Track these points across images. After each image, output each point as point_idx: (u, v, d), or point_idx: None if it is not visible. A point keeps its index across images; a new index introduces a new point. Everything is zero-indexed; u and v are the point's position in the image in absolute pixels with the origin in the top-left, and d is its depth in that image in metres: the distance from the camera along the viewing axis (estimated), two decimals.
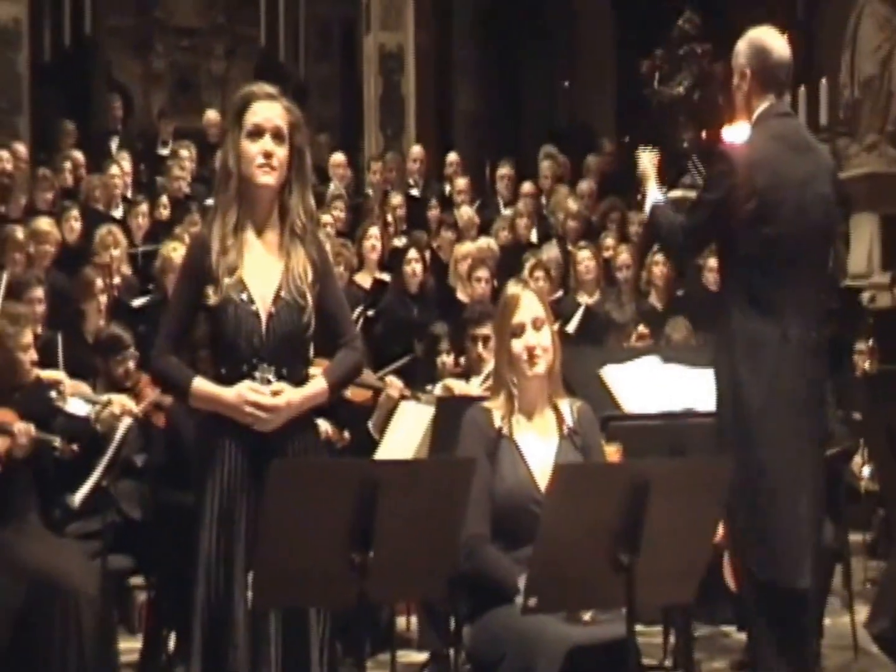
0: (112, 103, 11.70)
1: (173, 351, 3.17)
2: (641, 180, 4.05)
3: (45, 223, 7.19)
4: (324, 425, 4.81)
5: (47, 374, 4.52)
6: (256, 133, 3.16)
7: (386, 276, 7.67)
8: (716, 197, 3.60)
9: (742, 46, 3.70)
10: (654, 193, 3.90)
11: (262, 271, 3.17)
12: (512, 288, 3.43)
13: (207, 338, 3.22)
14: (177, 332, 3.19)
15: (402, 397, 5.17)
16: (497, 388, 3.42)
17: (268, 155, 3.14)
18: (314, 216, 3.30)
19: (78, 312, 6.14)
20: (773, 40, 3.69)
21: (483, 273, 7.24)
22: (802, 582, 3.47)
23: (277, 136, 3.16)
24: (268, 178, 3.15)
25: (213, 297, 3.12)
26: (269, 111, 3.18)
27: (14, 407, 4.36)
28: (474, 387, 5.29)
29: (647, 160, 4.03)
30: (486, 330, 5.48)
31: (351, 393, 5.14)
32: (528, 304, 3.37)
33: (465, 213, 9.02)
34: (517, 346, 3.33)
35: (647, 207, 3.88)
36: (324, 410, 4.52)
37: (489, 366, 5.03)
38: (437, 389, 5.27)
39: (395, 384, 5.30)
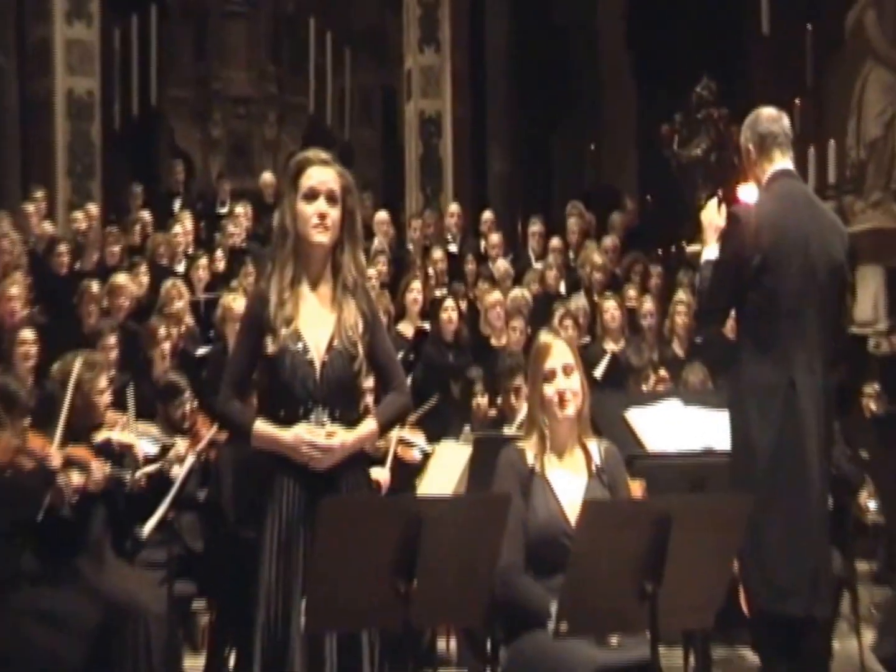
0: (175, 167, 11.85)
1: (236, 396, 3.21)
2: (701, 228, 3.96)
3: (121, 278, 7.27)
4: (381, 473, 4.88)
5: (119, 436, 4.54)
6: (312, 195, 3.20)
7: (425, 325, 7.73)
8: (726, 258, 3.62)
9: (742, 131, 3.78)
10: (709, 249, 3.82)
11: (316, 322, 3.21)
12: (544, 337, 3.46)
13: (261, 384, 3.24)
14: (239, 379, 3.23)
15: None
16: (530, 429, 3.44)
17: (322, 216, 3.18)
18: (364, 272, 3.35)
19: (146, 360, 6.22)
20: (764, 111, 3.77)
21: (518, 323, 7.29)
22: (794, 609, 3.44)
23: (331, 198, 3.20)
24: (322, 237, 3.20)
25: (271, 347, 3.16)
26: (323, 175, 3.22)
27: (89, 447, 4.44)
28: (512, 428, 5.36)
29: (712, 210, 3.92)
30: (518, 381, 5.49)
31: (403, 453, 5.26)
32: (559, 351, 3.40)
33: (501, 265, 9.07)
34: (549, 390, 3.36)
35: (702, 259, 3.83)
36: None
37: (522, 414, 5.06)
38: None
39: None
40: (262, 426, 3.15)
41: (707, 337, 3.74)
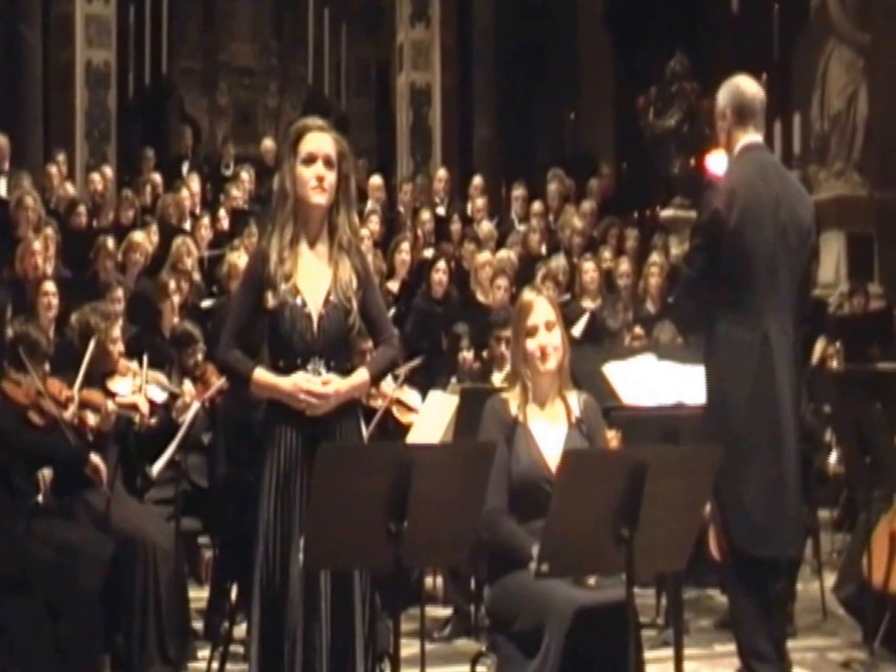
0: (184, 133, 11.76)
1: (237, 346, 3.15)
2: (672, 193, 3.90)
3: (138, 236, 7.20)
4: None
5: (122, 400, 4.47)
6: (310, 160, 3.13)
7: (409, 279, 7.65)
8: (704, 221, 3.55)
9: (722, 91, 3.68)
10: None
11: (313, 279, 3.15)
12: (527, 294, 3.40)
13: (265, 339, 3.18)
14: (240, 331, 3.17)
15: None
16: (513, 381, 3.39)
17: (320, 178, 3.12)
18: (358, 232, 3.30)
19: (156, 311, 6.15)
20: (746, 83, 3.66)
21: (503, 281, 7.24)
22: (772, 552, 3.42)
23: (328, 162, 3.14)
24: (320, 199, 3.13)
25: (271, 301, 3.11)
26: (320, 141, 3.16)
27: (103, 391, 4.43)
28: (498, 381, 5.27)
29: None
30: (508, 332, 5.38)
31: (397, 411, 5.19)
32: (541, 308, 3.34)
33: (486, 227, 8.98)
34: (531, 345, 3.31)
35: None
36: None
37: (508, 363, 4.98)
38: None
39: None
40: (261, 373, 3.10)
41: (678, 297, 3.66)
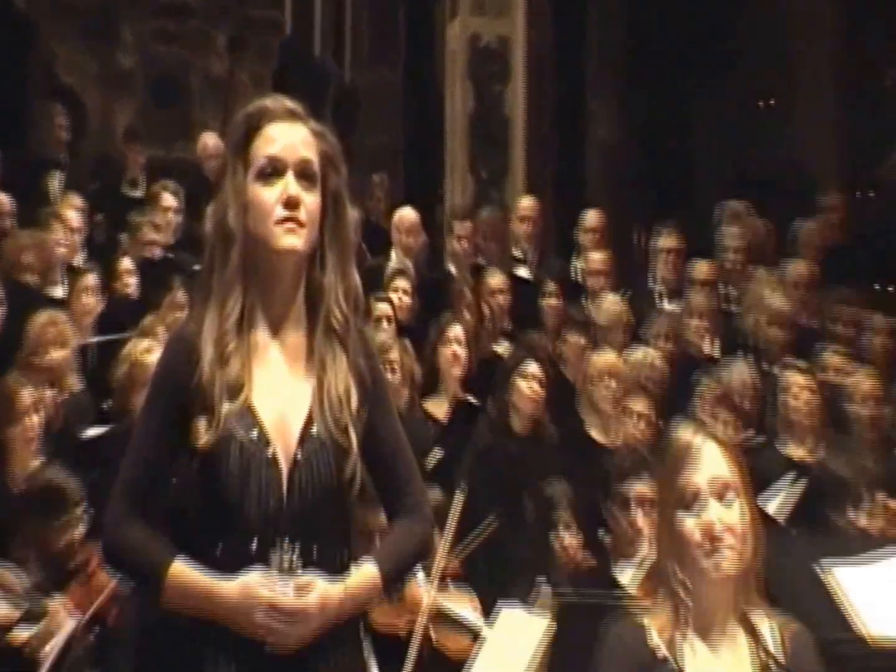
0: (54, 116, 11.74)
1: (139, 513, 3.15)
2: None
3: None
4: None
5: None
6: (273, 171, 3.18)
7: (473, 399, 7.72)
8: None
9: None
10: None
11: (281, 393, 3.18)
12: (684, 432, 3.38)
13: (191, 502, 3.17)
14: (145, 485, 3.18)
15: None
16: (656, 587, 3.37)
17: (291, 203, 3.15)
18: (361, 303, 3.34)
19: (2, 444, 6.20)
20: None
21: (639, 405, 7.23)
22: None
23: (305, 174, 3.19)
24: (292, 240, 3.15)
25: (203, 434, 3.10)
26: (290, 136, 3.21)
27: None
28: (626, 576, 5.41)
29: None
30: (642, 488, 5.57)
31: (443, 639, 5.23)
32: (710, 457, 3.32)
33: (608, 304, 8.98)
34: (689, 523, 3.27)
35: None
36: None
37: (645, 547, 5.21)
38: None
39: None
40: (183, 571, 3.09)
41: None
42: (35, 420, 6.11)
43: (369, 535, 4.33)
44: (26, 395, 6.14)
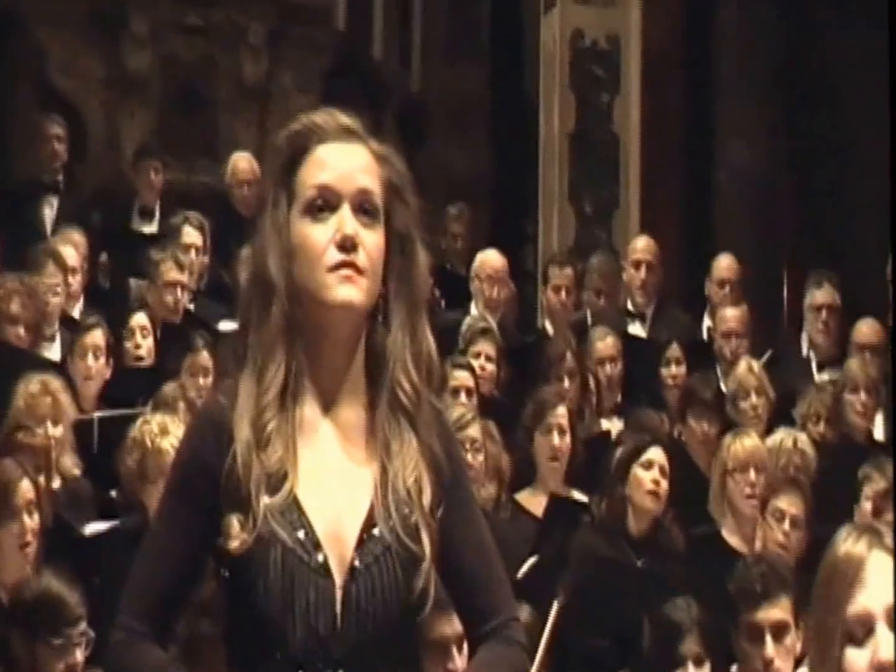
0: (46, 131, 12.02)
1: (153, 635, 3.23)
2: None
3: None
4: None
5: None
6: (324, 204, 3.25)
7: (579, 495, 7.81)
8: None
9: None
10: None
11: (334, 484, 3.25)
12: (848, 542, 3.35)
13: (219, 611, 3.28)
14: (161, 600, 3.26)
15: None
16: None
17: (348, 245, 3.21)
18: (436, 370, 3.37)
19: None
20: None
21: (786, 503, 7.31)
22: None
23: (364, 209, 3.26)
24: (348, 292, 3.22)
25: (237, 534, 3.17)
26: (345, 160, 3.29)
27: None
28: None
29: None
30: (772, 613, 5.67)
31: None
32: (881, 576, 3.30)
33: (746, 372, 9.08)
34: (858, 661, 3.26)
35: None
36: None
37: None
38: None
39: None
40: None
41: None
42: (35, 520, 6.17)
43: (444, 647, 4.41)
44: (25, 487, 6.21)
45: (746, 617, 5.91)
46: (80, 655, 5.23)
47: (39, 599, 5.39)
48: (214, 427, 3.25)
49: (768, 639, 5.83)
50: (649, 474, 7.30)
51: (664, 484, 7.33)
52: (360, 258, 3.21)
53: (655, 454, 7.42)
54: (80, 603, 5.31)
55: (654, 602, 6.67)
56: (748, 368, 9.12)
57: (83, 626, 5.25)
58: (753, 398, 8.84)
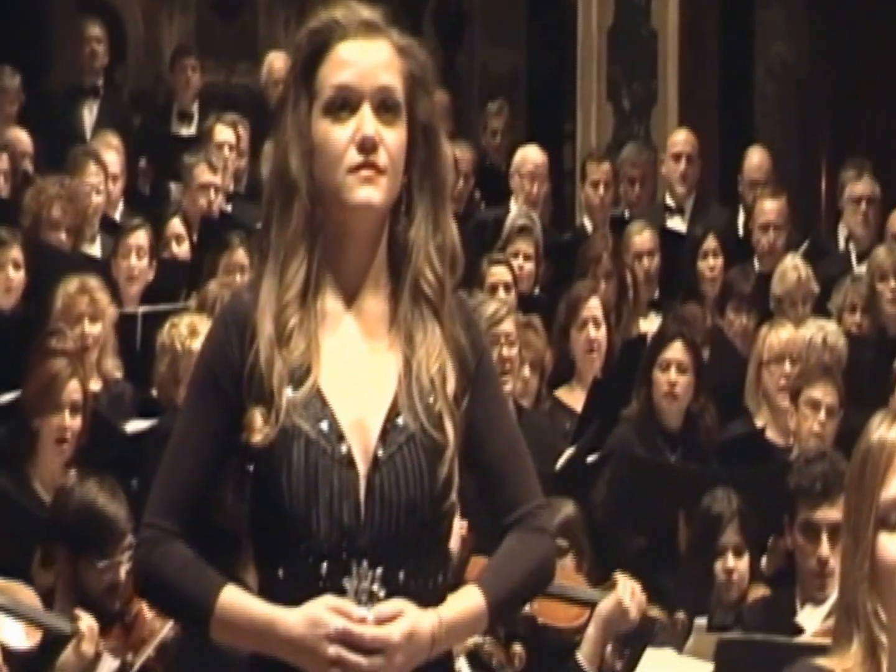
0: (85, 34, 11.94)
1: (180, 532, 3.23)
2: None
3: None
4: None
5: None
6: (344, 104, 3.24)
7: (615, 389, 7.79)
8: None
9: None
10: None
11: (357, 375, 3.26)
12: (882, 428, 3.21)
13: (246, 513, 3.26)
14: (187, 497, 3.26)
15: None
16: (846, 630, 3.27)
17: (368, 146, 3.20)
18: (459, 261, 3.35)
19: (30, 438, 6.31)
20: None
21: (821, 392, 7.26)
22: None
23: (385, 106, 3.25)
24: (368, 192, 3.22)
25: (260, 428, 3.18)
26: (366, 57, 3.26)
27: None
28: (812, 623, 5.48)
29: None
30: (830, 513, 5.66)
31: (544, 611, 5.34)
32: None
33: (786, 267, 9.04)
34: (890, 547, 3.17)
35: None
36: None
37: (834, 583, 5.21)
38: None
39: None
40: (235, 600, 3.16)
41: None
42: (77, 421, 6.23)
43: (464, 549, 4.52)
44: (73, 387, 6.27)
45: (804, 514, 5.95)
46: (123, 573, 5.23)
47: (85, 514, 5.38)
48: (237, 323, 3.26)
49: (824, 538, 5.87)
50: (665, 376, 7.33)
51: (682, 381, 7.34)
52: (381, 158, 3.21)
53: (673, 352, 7.44)
54: (127, 518, 5.31)
55: (689, 497, 6.68)
56: (789, 263, 9.09)
57: (129, 539, 5.22)
58: (798, 295, 8.79)
